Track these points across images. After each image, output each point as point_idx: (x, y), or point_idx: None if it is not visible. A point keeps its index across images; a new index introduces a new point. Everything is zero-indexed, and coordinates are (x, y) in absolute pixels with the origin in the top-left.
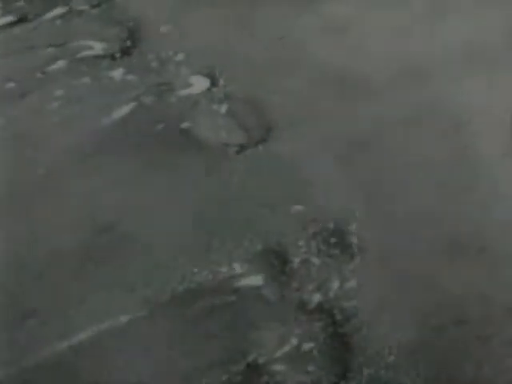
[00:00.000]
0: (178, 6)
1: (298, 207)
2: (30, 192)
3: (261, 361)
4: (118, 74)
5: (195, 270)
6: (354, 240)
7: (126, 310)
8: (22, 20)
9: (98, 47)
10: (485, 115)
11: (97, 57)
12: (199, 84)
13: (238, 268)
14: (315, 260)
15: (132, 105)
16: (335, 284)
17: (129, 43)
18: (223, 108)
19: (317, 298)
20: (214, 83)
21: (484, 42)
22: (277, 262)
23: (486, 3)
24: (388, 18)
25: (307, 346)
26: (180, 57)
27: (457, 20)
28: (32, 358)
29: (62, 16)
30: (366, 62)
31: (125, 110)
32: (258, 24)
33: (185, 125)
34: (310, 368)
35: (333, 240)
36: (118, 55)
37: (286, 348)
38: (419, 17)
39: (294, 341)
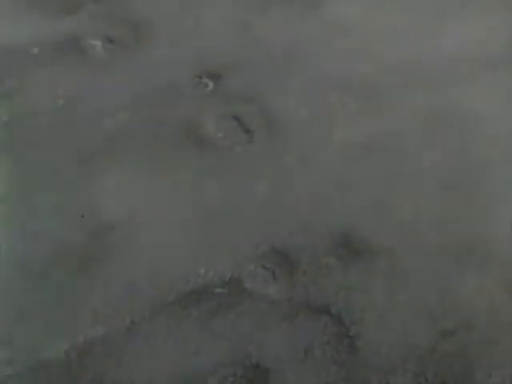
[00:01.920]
0: (184, 6)
1: (306, 208)
2: (32, 191)
3: (268, 363)
4: (122, 73)
5: (201, 270)
6: (363, 242)
7: (131, 309)
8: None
9: (102, 46)
10: (492, 120)
11: (101, 55)
12: (204, 85)
13: (244, 269)
14: (323, 261)
15: (136, 105)
16: (343, 286)
17: (133, 43)
18: (228, 109)
19: (324, 299)
20: (219, 84)
21: (491, 46)
22: (284, 262)
23: (492, 8)
24: (394, 22)
25: (314, 348)
26: (185, 57)
27: (464, 24)
28: (34, 358)
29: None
30: (371, 66)
31: (129, 109)
32: (264, 26)
33: (189, 125)
34: (317, 370)
35: (341, 242)
36: (121, 55)
37: (293, 350)
38: (426, 21)
39: (301, 343)
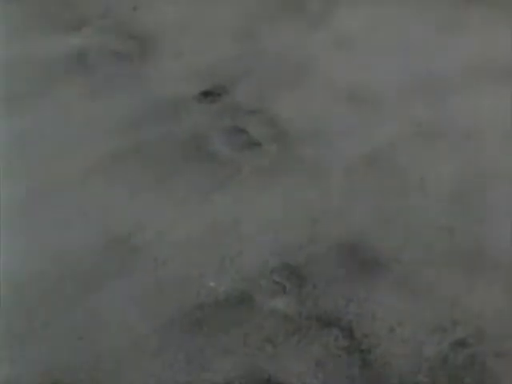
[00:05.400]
0: (189, 19)
1: (314, 222)
2: (42, 203)
3: (279, 377)
4: (128, 88)
5: (211, 284)
6: (372, 254)
7: (141, 323)
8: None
9: (109, 60)
10: (496, 128)
11: (108, 70)
12: (211, 98)
13: (253, 282)
14: (333, 275)
15: (142, 119)
16: (353, 299)
17: (139, 57)
18: (235, 122)
19: (335, 313)
20: (225, 97)
21: (493, 56)
22: (293, 276)
23: (494, 19)
24: (398, 34)
25: (325, 361)
26: (191, 70)
27: (466, 35)
28: (45, 373)
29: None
30: (376, 77)
31: (137, 124)
32: (271, 38)
33: (197, 139)
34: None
35: (349, 255)
36: (128, 69)
37: (304, 364)
38: (429, 32)
39: (312, 357)
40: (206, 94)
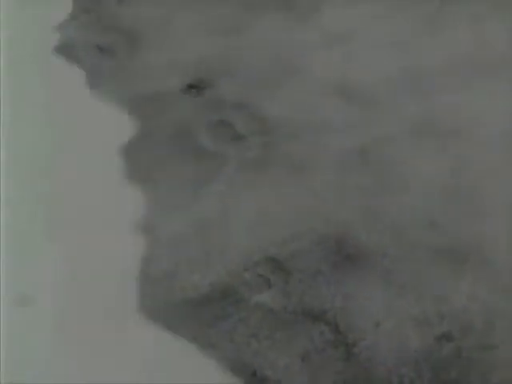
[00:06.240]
0: (174, 13)
1: (300, 216)
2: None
3: (265, 371)
4: (113, 81)
5: (196, 279)
6: (358, 249)
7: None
8: None
9: (94, 55)
10: (485, 126)
11: (93, 64)
12: (197, 92)
13: (239, 277)
14: (318, 269)
15: (128, 112)
16: (338, 293)
17: (123, 51)
18: (221, 116)
19: (320, 307)
20: (211, 90)
21: (483, 54)
22: (279, 271)
23: (484, 17)
24: (388, 31)
25: (310, 355)
26: (176, 64)
27: (456, 33)
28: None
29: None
30: (365, 74)
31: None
32: (258, 34)
33: (182, 133)
34: (314, 377)
35: (335, 249)
36: (112, 63)
37: (289, 358)
38: (418, 30)
39: (297, 351)
40: (191, 88)
